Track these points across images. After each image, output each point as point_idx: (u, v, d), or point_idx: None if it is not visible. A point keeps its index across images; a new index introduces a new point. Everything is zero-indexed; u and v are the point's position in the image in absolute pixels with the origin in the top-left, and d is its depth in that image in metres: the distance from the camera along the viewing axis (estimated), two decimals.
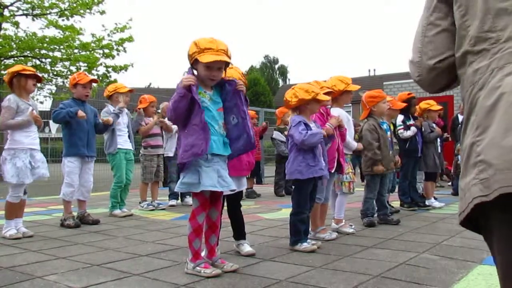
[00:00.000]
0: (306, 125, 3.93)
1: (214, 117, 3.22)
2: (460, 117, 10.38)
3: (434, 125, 6.96)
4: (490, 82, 1.14)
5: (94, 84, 13.18)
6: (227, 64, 3.26)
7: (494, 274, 3.15)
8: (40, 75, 5.18)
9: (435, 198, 6.95)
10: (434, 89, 1.44)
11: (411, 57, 1.41)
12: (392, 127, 6.10)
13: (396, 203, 6.60)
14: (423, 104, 6.96)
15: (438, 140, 7.00)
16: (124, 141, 6.14)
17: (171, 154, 7.17)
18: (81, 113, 5.13)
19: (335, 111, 4.64)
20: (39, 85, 5.35)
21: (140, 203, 6.78)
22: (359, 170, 11.37)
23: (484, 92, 1.15)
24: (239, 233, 3.88)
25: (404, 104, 6.42)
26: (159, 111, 7.86)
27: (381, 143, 5.27)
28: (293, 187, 4.13)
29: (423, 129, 6.71)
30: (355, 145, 4.98)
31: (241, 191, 3.95)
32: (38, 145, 4.78)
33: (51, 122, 13.58)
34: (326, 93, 4.31)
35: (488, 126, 1.11)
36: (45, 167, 4.79)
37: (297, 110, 4.07)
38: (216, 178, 3.15)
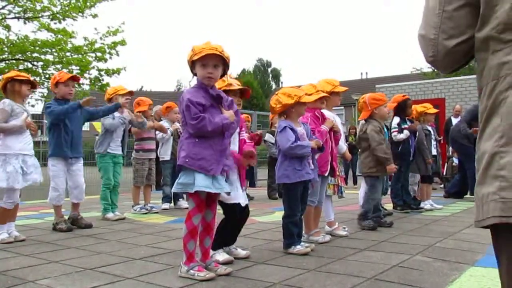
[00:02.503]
0: (292, 130, 3.93)
1: None
2: (454, 120, 10.44)
3: (429, 128, 6.99)
4: None
5: (87, 88, 13.02)
6: (226, 66, 3.30)
7: (486, 275, 3.18)
8: (32, 78, 5.15)
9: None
10: (448, 70, 1.28)
11: (424, 32, 1.21)
12: (385, 129, 6.13)
13: (389, 206, 6.63)
14: (419, 107, 7.00)
15: (433, 142, 7.04)
16: (115, 146, 6.12)
17: (167, 158, 7.15)
18: (86, 100, 5.18)
19: (325, 114, 4.64)
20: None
21: (133, 206, 6.75)
22: (351, 173, 11.43)
23: None
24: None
25: (394, 104, 6.45)
26: (153, 114, 7.84)
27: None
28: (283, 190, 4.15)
29: (417, 133, 6.73)
30: (344, 148, 4.99)
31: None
32: (31, 150, 4.73)
33: (44, 124, 13.49)
34: (320, 98, 4.34)
35: None
36: (38, 172, 4.74)
37: (284, 114, 4.08)
38: (211, 180, 3.16)
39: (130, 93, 6.24)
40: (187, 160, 3.15)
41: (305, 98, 4.00)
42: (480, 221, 1.10)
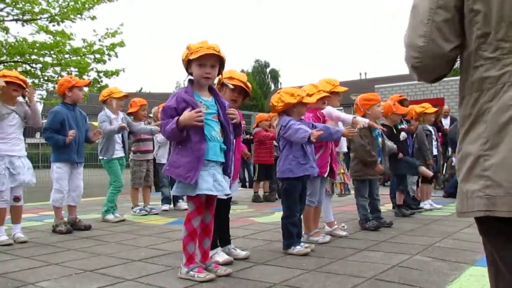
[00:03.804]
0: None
1: (210, 125, 3.20)
2: (444, 121, 10.46)
3: (430, 128, 6.98)
4: (502, 97, 1.15)
5: (86, 89, 13.08)
6: (222, 66, 3.29)
7: (486, 275, 3.17)
8: (31, 80, 5.15)
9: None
10: (431, 77, 1.36)
11: (411, 40, 1.30)
12: (394, 131, 6.13)
13: (388, 206, 6.63)
14: (418, 108, 6.97)
15: (434, 142, 7.03)
16: (119, 148, 6.16)
17: (163, 161, 7.12)
18: (71, 135, 5.11)
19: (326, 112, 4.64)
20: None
21: (132, 208, 6.75)
22: None
23: (495, 106, 1.16)
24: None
25: (407, 109, 6.42)
26: (151, 115, 7.84)
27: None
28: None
29: (416, 133, 6.72)
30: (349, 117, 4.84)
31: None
32: (20, 152, 4.69)
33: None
34: (322, 98, 4.34)
35: (498, 144, 1.14)
36: (30, 173, 4.72)
37: (284, 114, 4.08)
38: (212, 182, 3.15)
39: (125, 96, 6.23)
40: (167, 168, 3.21)
41: (307, 99, 4.01)
42: (464, 213, 1.24)
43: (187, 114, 3.05)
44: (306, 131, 3.81)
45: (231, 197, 3.86)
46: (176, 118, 3.08)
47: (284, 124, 3.97)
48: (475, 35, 1.21)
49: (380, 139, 5.47)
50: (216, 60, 3.23)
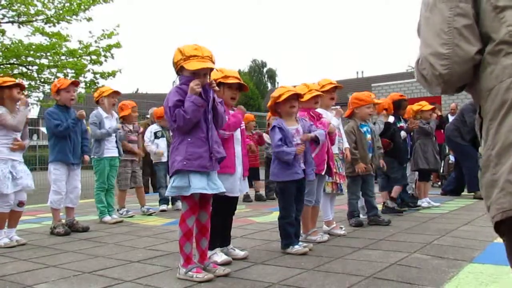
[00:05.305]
0: (282, 129, 3.93)
1: None
2: (451, 118, 10.46)
3: (427, 123, 6.99)
4: None
5: (82, 91, 12.97)
6: (211, 69, 3.30)
7: (484, 272, 3.19)
8: (27, 82, 5.15)
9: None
10: (457, 85, 1.35)
11: (433, 50, 1.30)
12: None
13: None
14: (414, 106, 7.05)
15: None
16: (110, 148, 6.12)
17: (164, 160, 7.08)
18: (80, 113, 5.28)
19: (321, 112, 4.63)
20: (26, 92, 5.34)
21: (118, 210, 6.63)
22: None
23: None
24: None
25: (388, 105, 6.46)
26: (148, 116, 7.83)
27: (357, 144, 5.27)
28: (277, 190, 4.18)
29: (415, 130, 6.77)
30: (346, 143, 5.00)
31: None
32: (20, 157, 4.73)
33: (40, 129, 13.34)
34: (315, 96, 4.33)
35: None
36: (30, 178, 4.73)
37: (276, 113, 4.12)
38: (206, 181, 3.17)
39: (116, 93, 6.20)
40: (185, 163, 3.13)
41: (280, 97, 3.99)
42: None
43: (190, 88, 3.12)
44: (288, 153, 3.86)
45: (237, 197, 3.86)
46: (187, 96, 3.11)
47: (270, 128, 4.02)
48: (505, 25, 1.22)
49: (368, 136, 5.44)
50: (209, 69, 3.25)
